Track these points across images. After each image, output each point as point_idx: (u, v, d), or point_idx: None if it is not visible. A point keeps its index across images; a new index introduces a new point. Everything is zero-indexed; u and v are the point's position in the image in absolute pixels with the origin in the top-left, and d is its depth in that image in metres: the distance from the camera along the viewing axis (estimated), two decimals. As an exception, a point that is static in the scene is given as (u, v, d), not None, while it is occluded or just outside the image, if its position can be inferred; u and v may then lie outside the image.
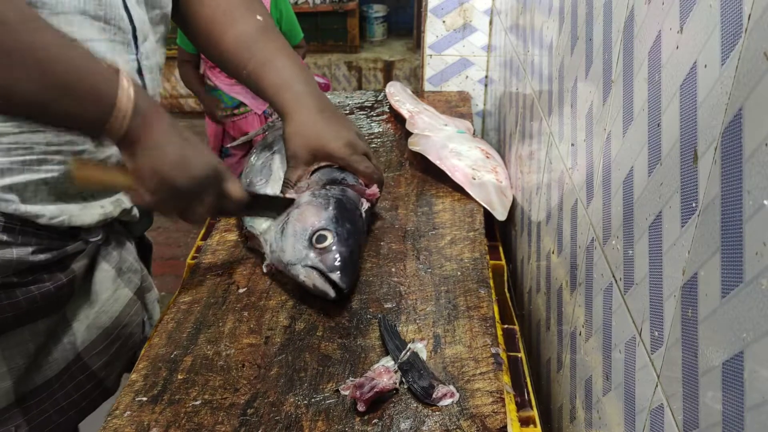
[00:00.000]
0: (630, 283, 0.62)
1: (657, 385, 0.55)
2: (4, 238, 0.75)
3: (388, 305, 0.90)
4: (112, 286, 0.90)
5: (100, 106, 0.69)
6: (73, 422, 0.90)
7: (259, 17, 0.99)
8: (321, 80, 2.54)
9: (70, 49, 0.67)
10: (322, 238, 0.87)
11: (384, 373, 0.74)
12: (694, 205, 0.49)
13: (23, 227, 0.77)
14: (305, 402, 0.74)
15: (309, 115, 0.95)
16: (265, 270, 0.95)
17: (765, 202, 0.39)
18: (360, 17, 4.67)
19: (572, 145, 0.86)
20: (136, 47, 0.85)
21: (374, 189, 1.02)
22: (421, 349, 0.81)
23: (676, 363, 0.51)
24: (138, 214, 0.94)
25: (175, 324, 0.88)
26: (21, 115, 0.71)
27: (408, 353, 0.78)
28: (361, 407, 0.71)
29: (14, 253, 0.76)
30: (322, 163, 1.00)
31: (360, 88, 4.51)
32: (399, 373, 0.76)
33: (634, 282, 0.61)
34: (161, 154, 0.74)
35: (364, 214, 0.98)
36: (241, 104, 2.41)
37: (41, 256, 0.79)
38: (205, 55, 1.03)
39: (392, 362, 0.77)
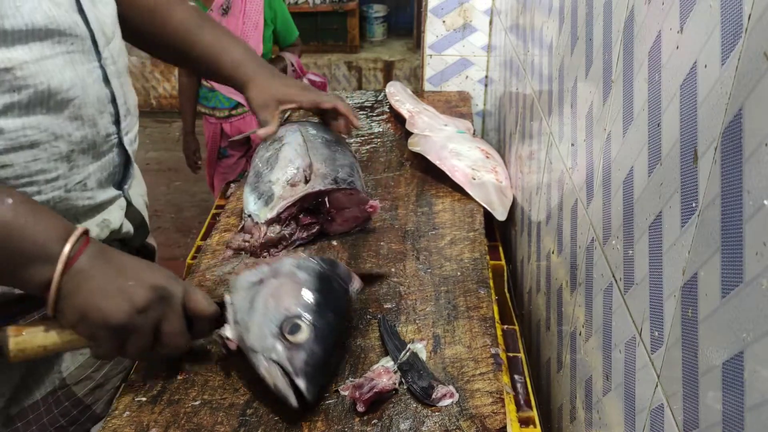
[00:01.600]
0: (630, 283, 0.62)
1: (657, 385, 0.55)
2: None
3: (388, 305, 0.90)
4: None
5: (36, 274, 0.66)
6: None
7: (192, 2, 1.10)
8: (318, 79, 2.53)
9: (7, 213, 0.64)
10: (295, 329, 0.73)
11: (384, 373, 0.74)
12: (694, 205, 0.49)
13: None
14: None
15: (267, 78, 1.10)
16: (218, 341, 0.78)
17: (765, 202, 0.39)
18: (360, 17, 4.67)
19: (572, 145, 0.86)
20: (98, 53, 0.80)
21: (376, 202, 1.04)
22: (421, 349, 0.81)
23: (676, 363, 0.51)
24: (132, 229, 0.91)
25: (175, 324, 0.87)
26: None
27: (407, 353, 0.78)
28: (360, 408, 0.71)
29: None
30: (289, 105, 1.11)
31: (360, 88, 4.51)
32: (398, 374, 0.76)
33: (634, 282, 0.61)
34: (88, 298, 0.67)
35: (353, 295, 0.84)
36: (239, 105, 2.41)
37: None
38: (143, 44, 1.08)
39: (392, 362, 0.77)
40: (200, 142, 2.58)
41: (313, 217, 1.03)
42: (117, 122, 0.84)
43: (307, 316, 0.74)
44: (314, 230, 1.04)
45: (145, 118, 4.58)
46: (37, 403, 0.84)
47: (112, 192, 0.86)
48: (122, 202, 0.88)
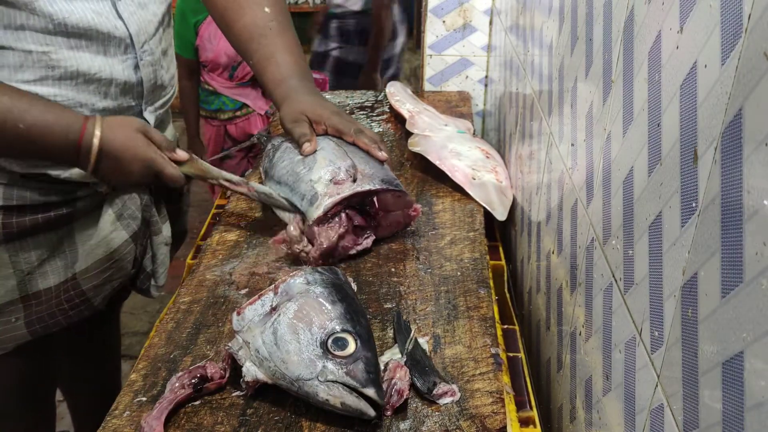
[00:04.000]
0: (630, 283, 0.62)
1: (657, 385, 0.55)
2: (22, 181, 0.96)
3: (388, 305, 0.90)
4: (110, 227, 1.07)
5: (64, 155, 0.94)
6: (60, 325, 1.08)
7: (267, 9, 1.12)
8: (318, 76, 2.54)
9: (28, 109, 0.88)
10: (342, 343, 0.72)
11: (398, 368, 0.74)
12: (694, 205, 0.49)
13: (40, 178, 0.98)
14: (305, 402, 0.74)
15: (301, 95, 1.09)
16: (243, 387, 0.75)
17: (765, 202, 0.39)
18: (360, 17, 4.66)
19: (572, 145, 0.86)
20: (134, 47, 0.99)
21: (419, 206, 1.05)
22: (424, 343, 0.81)
23: (676, 363, 0.51)
24: None
25: (175, 324, 0.88)
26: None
27: (412, 341, 0.78)
28: (387, 413, 0.71)
29: (28, 196, 0.98)
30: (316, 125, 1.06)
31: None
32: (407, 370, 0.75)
33: (634, 282, 0.61)
34: (111, 170, 0.98)
35: (354, 287, 0.87)
36: (244, 105, 2.42)
37: (53, 198, 1.00)
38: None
39: (399, 354, 0.77)
40: (200, 142, 2.58)
41: (365, 221, 1.00)
42: (140, 97, 1.03)
43: (347, 326, 0.73)
44: (368, 238, 1.01)
45: (146, 118, 4.58)
46: (50, 288, 1.05)
47: None
48: None
